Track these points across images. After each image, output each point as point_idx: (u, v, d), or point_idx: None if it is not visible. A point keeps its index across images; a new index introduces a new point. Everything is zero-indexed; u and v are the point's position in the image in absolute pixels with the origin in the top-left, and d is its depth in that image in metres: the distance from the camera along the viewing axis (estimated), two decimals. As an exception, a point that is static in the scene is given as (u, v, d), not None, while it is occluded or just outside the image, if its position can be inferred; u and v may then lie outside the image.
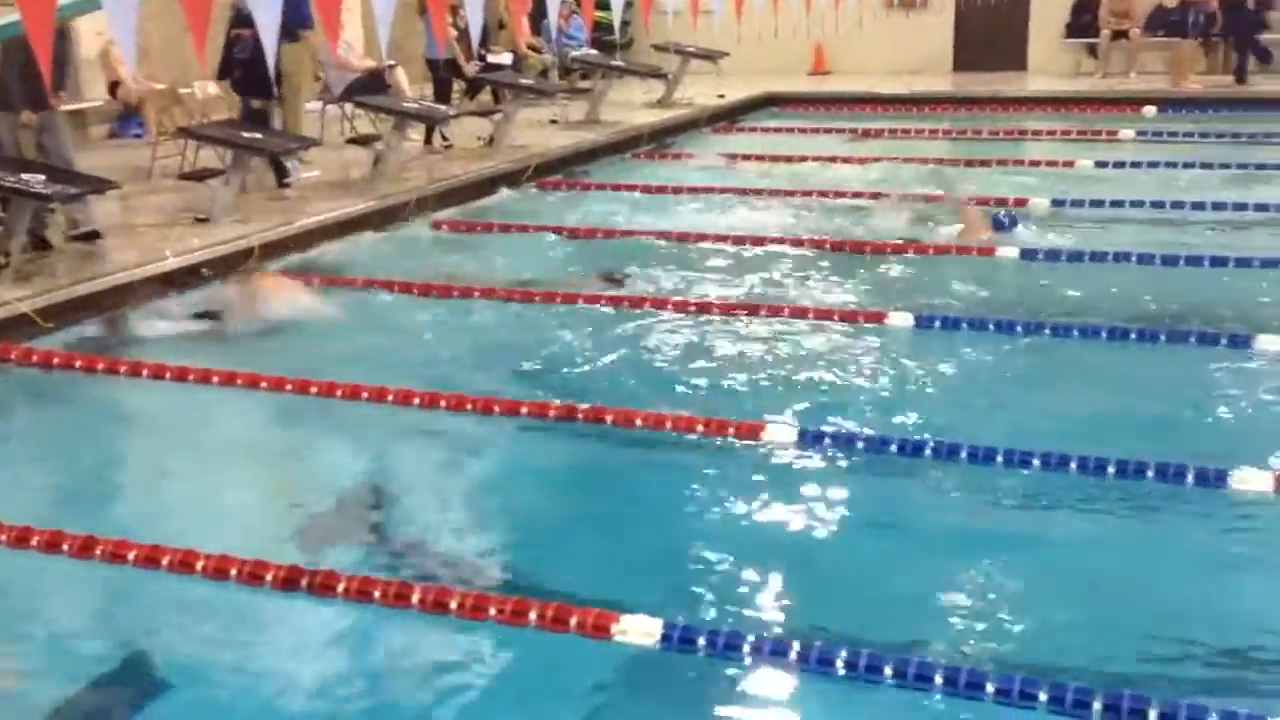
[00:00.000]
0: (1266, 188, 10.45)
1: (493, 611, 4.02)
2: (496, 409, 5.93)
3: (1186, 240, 8.72)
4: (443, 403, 6.00)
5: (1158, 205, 9.70)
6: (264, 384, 6.29)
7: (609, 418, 5.77)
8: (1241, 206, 9.58)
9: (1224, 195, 9.97)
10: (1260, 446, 5.27)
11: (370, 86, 12.41)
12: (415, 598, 4.10)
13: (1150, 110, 15.05)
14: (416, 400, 6.03)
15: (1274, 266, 7.92)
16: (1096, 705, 3.48)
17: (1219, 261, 8.05)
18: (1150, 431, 5.61)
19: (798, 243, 9.11)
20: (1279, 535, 4.71)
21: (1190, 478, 4.95)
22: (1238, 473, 4.91)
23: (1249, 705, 3.53)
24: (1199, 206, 9.65)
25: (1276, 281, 7.73)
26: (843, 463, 5.35)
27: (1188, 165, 11.59)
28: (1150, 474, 5.00)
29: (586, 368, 6.69)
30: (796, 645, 3.83)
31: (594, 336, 7.15)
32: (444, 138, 12.87)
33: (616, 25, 16.10)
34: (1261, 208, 9.56)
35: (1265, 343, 6.47)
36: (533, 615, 3.96)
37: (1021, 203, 10.16)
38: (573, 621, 3.92)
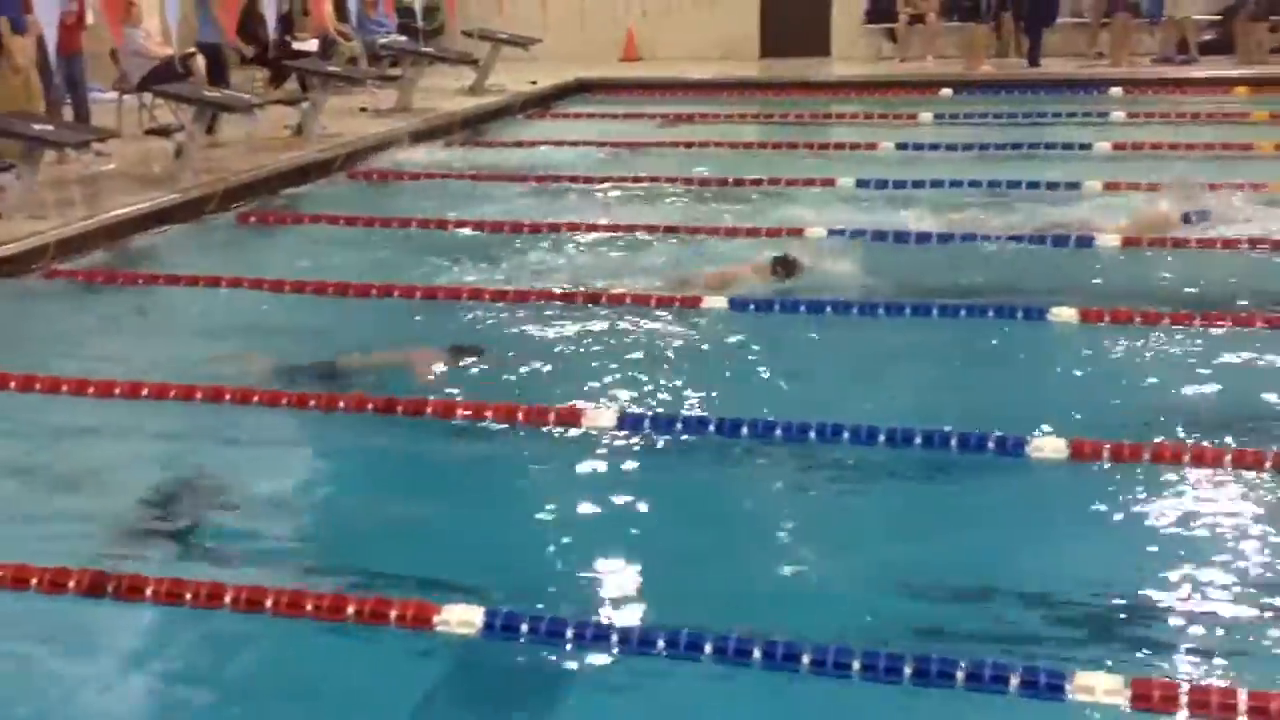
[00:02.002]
0: (1056, 166, 10.92)
1: (310, 608, 3.95)
2: (313, 404, 5.83)
3: (984, 218, 9.04)
4: (256, 399, 5.87)
5: (956, 185, 10.06)
6: (65, 387, 6.05)
7: (429, 409, 5.73)
8: (1034, 185, 9.99)
9: (1018, 174, 10.39)
10: (1056, 414, 5.52)
11: (170, 75, 11.99)
12: (228, 597, 4.01)
13: (947, 93, 15.56)
14: (228, 396, 5.89)
15: (1064, 243, 8.30)
16: (908, 670, 3.61)
17: (1015, 238, 8.39)
18: (954, 403, 5.83)
19: (612, 228, 9.17)
20: (1074, 499, 4.94)
21: (991, 446, 5.16)
22: (1035, 440, 5.14)
23: (1050, 661, 3.70)
24: (994, 185, 10.03)
25: (1066, 256, 8.10)
26: (663, 444, 5.42)
27: (983, 146, 12.04)
28: (953, 444, 5.19)
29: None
30: (619, 628, 3.88)
31: (411, 328, 7.08)
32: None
33: (418, 10, 15.98)
34: (1052, 185, 9.99)
35: (1057, 315, 6.78)
36: (351, 610, 3.92)
37: (829, 184, 10.43)
38: (392, 614, 3.89)
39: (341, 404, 5.80)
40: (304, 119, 12.67)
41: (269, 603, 3.99)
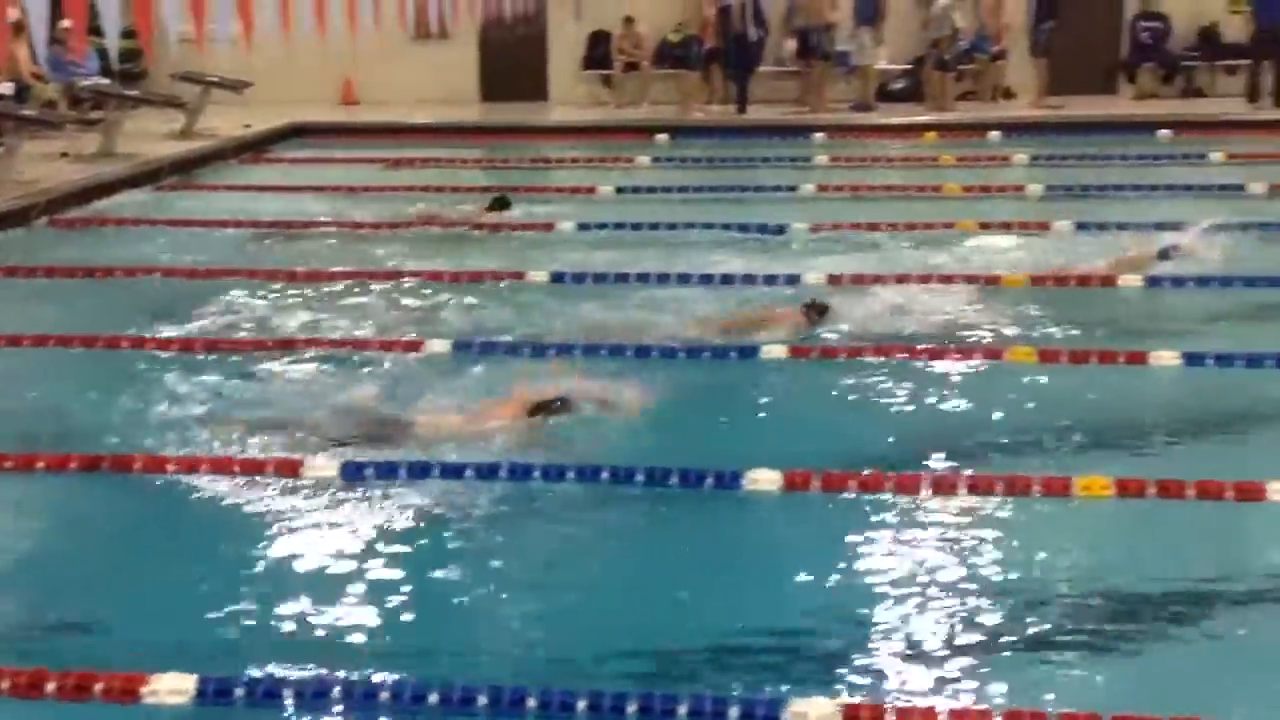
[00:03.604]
0: (767, 207, 11.40)
1: (5, 685, 3.70)
2: (9, 464, 5.51)
3: (697, 259, 9.31)
4: (-57, 462, 5.50)
5: (671, 227, 10.35)
6: None
7: (137, 464, 5.50)
8: (744, 227, 10.40)
9: (730, 216, 10.79)
10: (770, 447, 5.74)
11: None
12: (-90, 680, 3.72)
13: (663, 138, 16.00)
14: (-90, 462, 5.49)
15: (773, 281, 8.62)
16: (631, 708, 3.65)
17: (727, 279, 8.66)
18: (674, 440, 5.97)
19: (330, 275, 9.01)
20: (787, 528, 5.16)
21: (710, 480, 5.31)
22: (751, 473, 5.31)
23: (767, 689, 3.82)
24: (709, 227, 10.38)
25: (775, 295, 8.40)
26: (386, 492, 5.34)
27: (698, 189, 12.44)
28: (674, 479, 5.32)
29: (113, 416, 6.28)
30: (341, 686, 3.79)
31: (119, 383, 6.72)
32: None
33: (113, 53, 15.34)
34: (761, 227, 10.41)
35: (768, 351, 7.04)
36: (50, 686, 3.69)
37: (549, 227, 10.55)
38: (97, 688, 3.69)
39: (41, 463, 5.50)
40: (-4, 165, 11.96)
41: (-44, 683, 3.72)
